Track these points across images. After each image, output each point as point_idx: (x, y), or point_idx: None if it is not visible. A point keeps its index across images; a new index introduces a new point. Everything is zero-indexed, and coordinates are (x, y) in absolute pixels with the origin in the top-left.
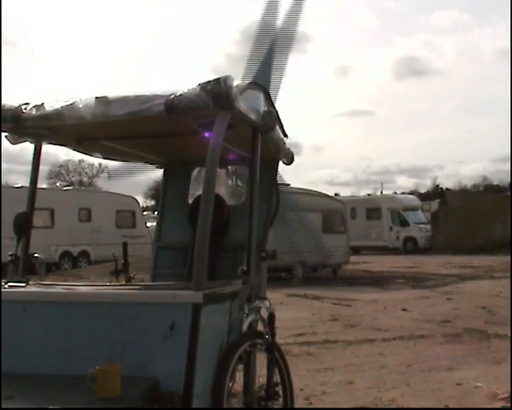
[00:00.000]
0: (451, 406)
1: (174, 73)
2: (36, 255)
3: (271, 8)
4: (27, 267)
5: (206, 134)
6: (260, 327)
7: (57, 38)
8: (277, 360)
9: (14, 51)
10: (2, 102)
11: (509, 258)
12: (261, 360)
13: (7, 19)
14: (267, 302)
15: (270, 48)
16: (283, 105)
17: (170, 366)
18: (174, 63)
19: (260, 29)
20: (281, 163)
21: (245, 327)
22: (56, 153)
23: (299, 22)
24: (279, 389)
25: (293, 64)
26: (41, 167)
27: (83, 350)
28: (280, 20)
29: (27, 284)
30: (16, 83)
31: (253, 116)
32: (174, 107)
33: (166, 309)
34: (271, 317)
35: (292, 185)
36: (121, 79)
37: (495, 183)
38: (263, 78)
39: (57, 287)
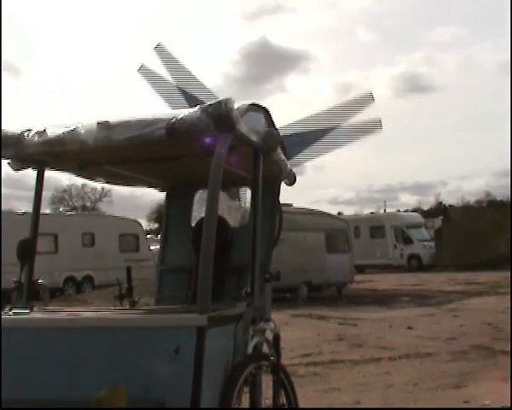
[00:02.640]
0: None
1: None
2: (40, 281)
3: (354, 107)
4: (31, 294)
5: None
6: (265, 349)
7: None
8: (283, 381)
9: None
10: (4, 128)
11: None
12: (267, 381)
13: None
14: (272, 324)
15: (321, 132)
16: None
17: (175, 390)
18: None
19: (331, 113)
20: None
21: (250, 349)
22: (59, 178)
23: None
24: None
25: (295, 84)
26: (44, 193)
27: (88, 376)
28: (350, 120)
29: (31, 310)
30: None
31: (254, 137)
32: (175, 130)
33: (171, 333)
34: (276, 338)
35: (295, 205)
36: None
37: (498, 198)
38: (294, 144)
39: (61, 313)
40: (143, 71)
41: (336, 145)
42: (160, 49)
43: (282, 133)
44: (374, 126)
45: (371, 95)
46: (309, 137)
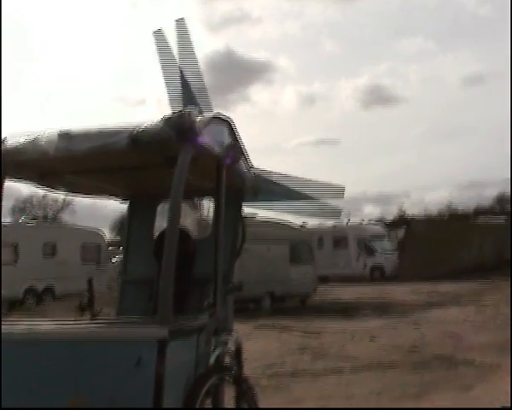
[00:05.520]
0: None
1: (137, 104)
2: None
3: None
4: None
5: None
6: (228, 360)
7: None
8: (246, 392)
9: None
10: None
11: (474, 284)
12: (229, 393)
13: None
14: (234, 335)
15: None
16: (250, 135)
17: (137, 403)
18: (136, 91)
19: (307, 183)
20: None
21: (212, 361)
22: (20, 187)
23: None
24: None
25: (259, 94)
26: (4, 202)
27: (48, 389)
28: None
29: None
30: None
31: (217, 149)
32: (138, 141)
33: (132, 345)
34: (239, 349)
35: (259, 216)
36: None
37: (460, 208)
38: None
39: (20, 325)
40: (158, 35)
41: (295, 213)
42: (180, 23)
43: (262, 175)
44: (335, 213)
45: (343, 189)
46: (280, 192)
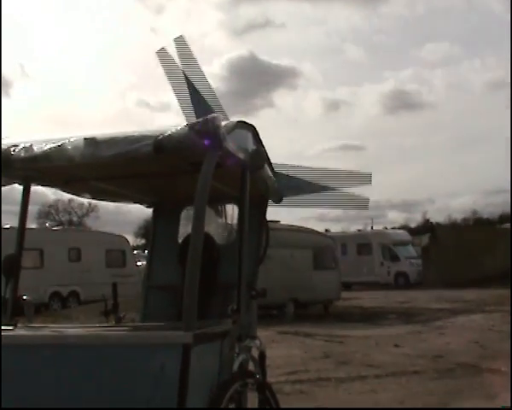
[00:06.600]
0: None
1: (161, 110)
2: (24, 297)
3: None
4: (16, 310)
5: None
6: (251, 366)
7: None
8: (269, 399)
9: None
10: None
11: (500, 291)
12: (253, 399)
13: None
14: (258, 341)
15: (317, 187)
16: (274, 141)
17: (161, 408)
18: (159, 97)
19: (327, 174)
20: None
21: (236, 367)
22: (45, 192)
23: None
24: None
25: (283, 100)
26: (30, 207)
27: (72, 393)
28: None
29: (15, 326)
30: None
31: (241, 155)
32: (162, 147)
33: (156, 350)
34: (262, 356)
35: (282, 222)
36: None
37: (485, 216)
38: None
39: (45, 329)
40: (161, 54)
41: (322, 205)
42: (179, 40)
43: (279, 171)
44: (362, 203)
45: (370, 176)
46: (304, 186)
